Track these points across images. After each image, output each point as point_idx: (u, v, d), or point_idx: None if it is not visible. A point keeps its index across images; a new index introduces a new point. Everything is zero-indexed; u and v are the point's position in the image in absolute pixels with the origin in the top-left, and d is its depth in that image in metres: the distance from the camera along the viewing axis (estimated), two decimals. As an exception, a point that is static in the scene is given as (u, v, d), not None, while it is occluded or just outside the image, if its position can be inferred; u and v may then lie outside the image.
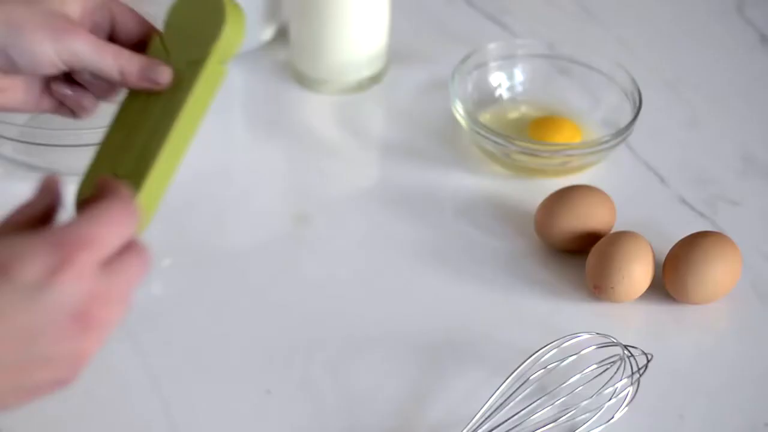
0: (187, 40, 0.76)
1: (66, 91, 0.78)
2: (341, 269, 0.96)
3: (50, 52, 0.73)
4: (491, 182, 1.04)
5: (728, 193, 1.05)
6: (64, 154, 0.99)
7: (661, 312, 0.93)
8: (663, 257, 0.94)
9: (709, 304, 0.93)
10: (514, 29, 1.23)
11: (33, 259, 0.56)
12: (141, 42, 0.77)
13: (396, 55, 1.16)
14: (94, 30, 0.76)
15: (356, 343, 0.89)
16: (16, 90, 0.77)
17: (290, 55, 1.14)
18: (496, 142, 1.02)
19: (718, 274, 0.91)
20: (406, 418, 0.84)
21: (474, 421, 0.81)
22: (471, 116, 1.04)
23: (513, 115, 1.11)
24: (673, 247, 0.93)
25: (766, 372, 0.90)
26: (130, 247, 0.62)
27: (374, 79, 1.14)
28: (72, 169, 1.00)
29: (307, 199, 1.03)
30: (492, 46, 1.11)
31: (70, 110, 0.79)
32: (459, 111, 1.05)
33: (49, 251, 0.57)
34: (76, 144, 0.97)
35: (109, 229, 0.59)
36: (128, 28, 0.77)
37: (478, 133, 1.03)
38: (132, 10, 0.78)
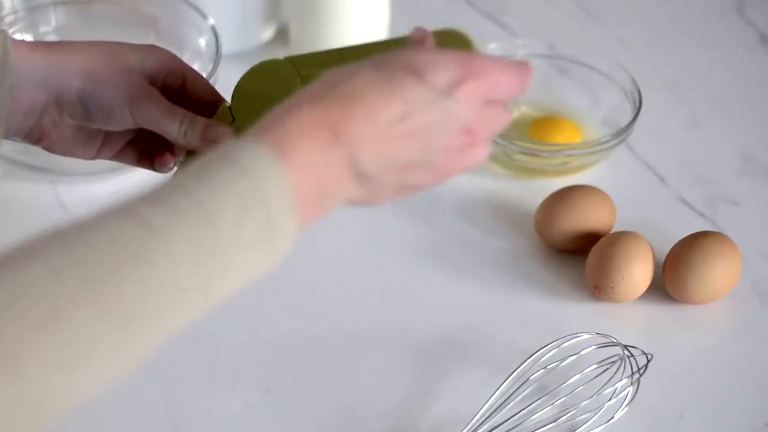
0: (257, 108, 0.78)
1: (170, 162, 0.81)
2: (341, 269, 0.96)
3: (125, 111, 0.76)
4: (491, 182, 1.04)
5: (728, 193, 1.05)
6: (64, 154, 0.99)
7: (661, 312, 0.93)
8: (663, 257, 0.94)
9: (709, 304, 0.93)
10: (514, 29, 1.23)
11: (444, 70, 0.64)
12: (208, 110, 0.79)
13: (396, 55, 1.16)
14: (164, 91, 0.78)
15: (356, 342, 0.89)
16: (77, 140, 0.80)
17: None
18: (496, 142, 1.02)
19: (718, 274, 0.91)
20: (406, 418, 0.84)
21: (474, 421, 0.81)
22: (471, 116, 1.04)
23: (513, 115, 1.10)
24: (673, 247, 0.93)
25: (766, 372, 0.90)
26: (501, 104, 0.69)
27: (374, 79, 1.14)
28: (71, 169, 1.00)
29: (307, 199, 1.02)
30: (492, 46, 1.11)
31: (151, 164, 0.82)
32: (459, 111, 1.04)
33: (456, 67, 0.64)
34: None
35: (502, 74, 0.67)
36: (198, 95, 0.80)
37: (478, 133, 1.03)
38: (204, 80, 0.80)
